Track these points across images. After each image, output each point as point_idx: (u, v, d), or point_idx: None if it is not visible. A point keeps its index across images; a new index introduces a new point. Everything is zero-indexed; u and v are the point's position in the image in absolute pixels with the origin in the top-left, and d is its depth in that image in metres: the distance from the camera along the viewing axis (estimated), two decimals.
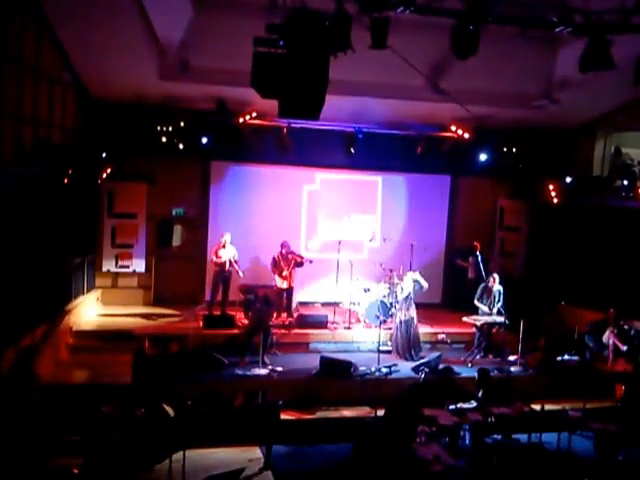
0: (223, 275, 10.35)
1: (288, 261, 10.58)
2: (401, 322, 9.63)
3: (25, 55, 7.71)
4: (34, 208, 7.83)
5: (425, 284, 9.83)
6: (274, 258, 10.61)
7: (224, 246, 10.30)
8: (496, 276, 10.00)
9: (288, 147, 10.93)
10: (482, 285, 10.07)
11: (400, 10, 6.60)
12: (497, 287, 9.90)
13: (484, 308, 9.86)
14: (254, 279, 10.81)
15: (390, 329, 10.22)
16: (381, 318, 9.91)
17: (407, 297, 9.65)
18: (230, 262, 10.27)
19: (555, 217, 12.01)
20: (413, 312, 9.61)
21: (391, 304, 10.49)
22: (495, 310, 9.85)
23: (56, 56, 8.68)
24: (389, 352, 9.78)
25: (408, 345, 9.57)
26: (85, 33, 8.27)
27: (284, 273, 10.54)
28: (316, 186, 12.04)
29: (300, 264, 10.67)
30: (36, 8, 7.73)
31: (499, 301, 9.85)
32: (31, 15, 7.74)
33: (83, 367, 8.47)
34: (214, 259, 10.34)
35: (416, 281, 9.75)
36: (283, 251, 10.63)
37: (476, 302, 9.92)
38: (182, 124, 10.31)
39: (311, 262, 10.79)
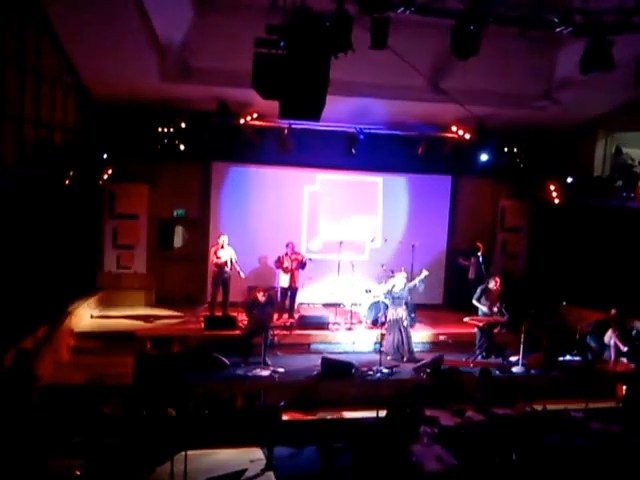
0: (222, 276, 10.36)
1: (292, 261, 10.61)
2: (390, 321, 9.61)
3: (26, 56, 7.72)
4: (35, 209, 7.84)
5: (416, 282, 9.87)
6: (279, 257, 10.65)
7: (222, 247, 10.32)
8: (498, 279, 9.98)
9: (289, 147, 10.94)
10: (482, 286, 10.05)
11: (400, 10, 6.60)
12: (499, 288, 9.88)
13: (483, 309, 9.85)
14: (255, 280, 10.81)
15: None
16: (382, 319, 9.89)
17: (396, 297, 9.62)
18: (230, 263, 10.29)
19: (556, 217, 12.00)
20: (402, 312, 9.60)
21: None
22: (495, 311, 9.83)
23: (57, 57, 8.69)
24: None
25: (398, 344, 9.51)
26: (86, 34, 8.28)
27: (285, 267, 10.57)
28: (317, 187, 12.04)
29: (303, 264, 10.70)
30: (37, 10, 7.74)
31: (498, 302, 9.83)
32: (32, 17, 7.75)
33: (84, 368, 8.46)
34: (214, 260, 10.35)
35: (407, 284, 9.74)
36: (288, 251, 10.66)
37: (475, 302, 9.91)
38: (183, 125, 10.32)
39: (310, 260, 10.83)
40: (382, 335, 9.68)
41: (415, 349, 9.88)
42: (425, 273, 9.94)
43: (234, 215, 11.54)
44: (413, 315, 10.87)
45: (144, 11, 7.83)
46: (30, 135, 7.98)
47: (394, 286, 9.68)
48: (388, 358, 9.37)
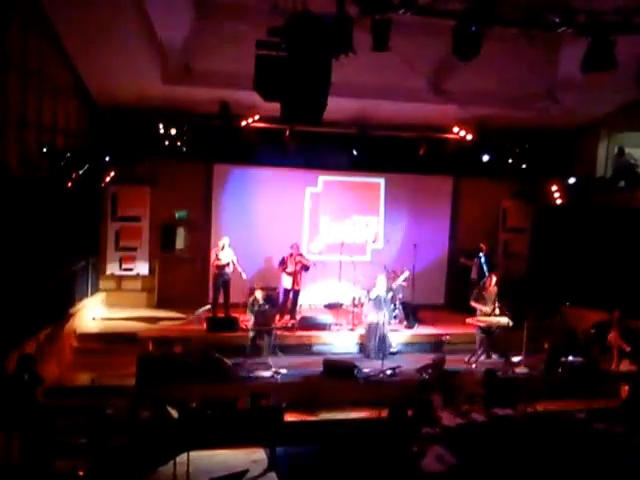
0: (223, 278, 10.38)
1: (296, 263, 10.63)
2: (372, 324, 9.57)
3: (28, 60, 7.74)
4: (38, 212, 7.86)
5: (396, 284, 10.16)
6: (283, 259, 10.67)
7: (223, 249, 10.34)
8: (494, 277, 9.97)
9: (290, 149, 10.96)
10: (479, 286, 10.04)
11: (402, 12, 6.61)
12: (494, 288, 9.86)
13: (483, 309, 9.82)
14: (257, 281, 10.82)
15: (396, 330, 10.22)
16: (383, 319, 9.88)
17: (377, 299, 9.61)
18: (233, 265, 10.31)
19: (559, 218, 11.99)
20: (384, 315, 9.59)
21: (394, 305, 10.49)
22: (496, 311, 9.81)
23: (59, 61, 8.72)
24: (393, 354, 9.78)
25: (378, 346, 9.50)
26: (88, 37, 8.29)
27: (289, 270, 10.57)
28: (319, 188, 12.06)
29: (307, 268, 10.72)
30: (38, 14, 7.77)
31: (496, 301, 9.81)
32: (34, 21, 7.78)
33: (87, 369, 8.49)
34: (215, 262, 10.37)
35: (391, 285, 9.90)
36: (293, 252, 10.67)
37: (472, 303, 9.88)
38: (185, 127, 10.34)
39: (315, 265, 10.84)
40: (363, 337, 9.76)
41: (418, 350, 9.90)
42: (406, 273, 9.95)
43: (236, 217, 11.55)
44: (414, 316, 10.88)
45: (145, 14, 7.86)
46: (33, 139, 8.00)
47: (375, 289, 9.70)
48: (369, 357, 9.43)
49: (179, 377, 8.14)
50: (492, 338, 9.84)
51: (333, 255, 11.35)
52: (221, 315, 10.37)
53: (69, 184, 8.58)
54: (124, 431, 6.65)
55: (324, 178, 12.03)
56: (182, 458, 6.12)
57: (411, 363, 9.35)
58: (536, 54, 9.56)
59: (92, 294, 10.69)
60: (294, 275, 10.68)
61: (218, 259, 10.35)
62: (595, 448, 6.85)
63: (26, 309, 7.50)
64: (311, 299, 11.60)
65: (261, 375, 8.58)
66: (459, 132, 11.33)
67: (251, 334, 9.20)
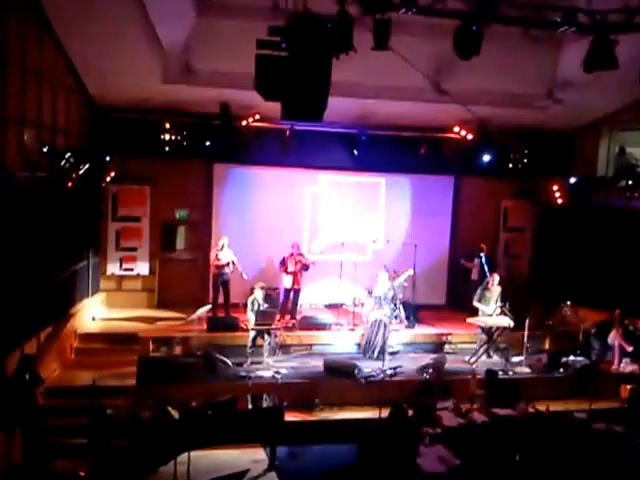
0: (222, 278, 10.38)
1: (296, 263, 10.63)
2: (374, 321, 9.58)
3: (28, 60, 7.75)
4: (38, 212, 7.86)
5: (399, 281, 10.13)
6: (284, 259, 10.66)
7: (222, 249, 10.34)
8: (496, 276, 9.96)
9: (290, 148, 10.94)
10: (481, 286, 10.04)
11: (402, 11, 6.59)
12: (496, 288, 9.86)
13: (485, 309, 9.82)
14: (258, 281, 10.80)
15: (397, 330, 10.22)
16: (385, 319, 9.88)
17: (378, 297, 9.62)
18: (232, 264, 10.31)
19: (560, 217, 11.99)
20: (385, 313, 9.58)
21: (395, 305, 10.48)
22: (497, 311, 9.80)
23: (59, 61, 8.72)
24: (394, 353, 9.78)
25: (373, 345, 9.50)
26: (88, 37, 8.29)
27: (289, 270, 10.58)
28: (319, 188, 12.05)
29: (307, 267, 10.71)
30: (38, 14, 7.77)
31: (498, 301, 9.80)
32: (33, 21, 7.78)
33: (88, 369, 8.49)
34: (215, 262, 10.37)
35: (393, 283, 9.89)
36: (293, 251, 10.67)
37: (475, 303, 9.88)
38: (185, 127, 10.33)
39: (314, 264, 10.84)
40: (363, 337, 9.77)
41: (418, 349, 9.90)
42: (410, 272, 9.94)
43: (236, 216, 11.54)
44: (414, 316, 10.87)
45: (146, 14, 7.85)
46: (32, 138, 7.98)
47: (377, 287, 9.69)
48: (367, 356, 9.47)
49: (179, 377, 8.15)
50: (493, 338, 9.83)
51: (334, 255, 11.34)
52: (221, 315, 10.37)
53: (69, 184, 8.57)
54: (125, 431, 6.65)
55: (325, 178, 12.02)
56: (182, 458, 6.13)
57: (411, 363, 9.36)
58: (537, 54, 9.57)
59: (92, 294, 10.68)
60: (294, 275, 10.68)
61: (218, 259, 10.35)
62: (595, 448, 6.84)
63: (27, 309, 7.49)
64: (311, 299, 11.59)
65: (261, 375, 8.58)
66: (460, 132, 11.32)
67: (251, 334, 9.18)
